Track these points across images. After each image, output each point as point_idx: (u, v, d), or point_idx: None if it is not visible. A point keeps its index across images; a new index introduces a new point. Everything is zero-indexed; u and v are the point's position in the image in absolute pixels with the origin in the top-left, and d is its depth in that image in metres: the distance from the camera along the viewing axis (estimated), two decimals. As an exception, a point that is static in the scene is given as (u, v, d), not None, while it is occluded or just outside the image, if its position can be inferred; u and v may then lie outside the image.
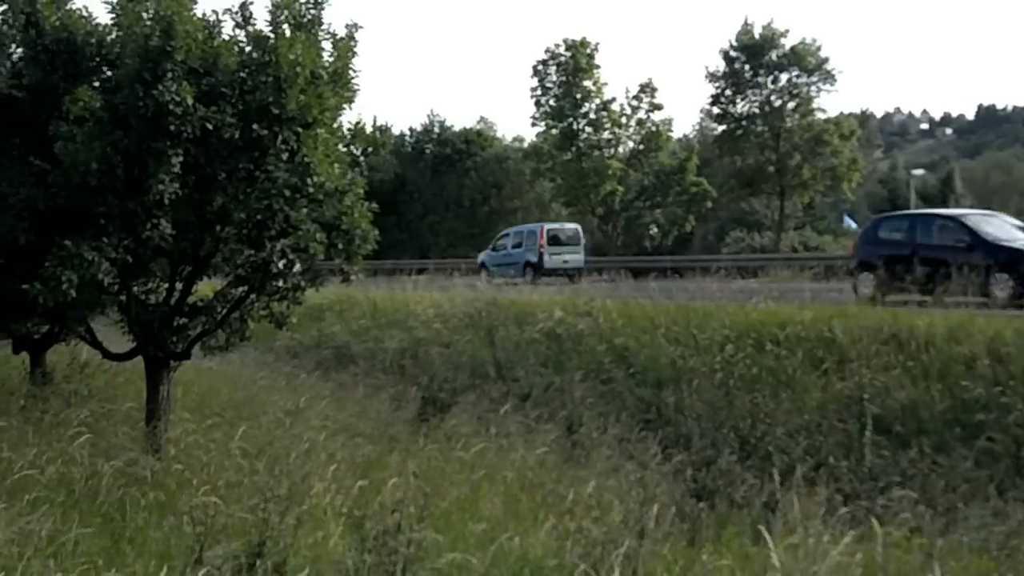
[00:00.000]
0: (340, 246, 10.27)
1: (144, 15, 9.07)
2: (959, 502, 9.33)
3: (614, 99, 54.83)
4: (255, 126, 9.18)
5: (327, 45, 9.92)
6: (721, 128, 54.51)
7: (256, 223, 9.71)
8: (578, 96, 54.43)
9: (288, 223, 9.72)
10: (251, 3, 9.69)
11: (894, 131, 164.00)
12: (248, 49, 9.51)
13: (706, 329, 14.78)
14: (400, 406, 14.38)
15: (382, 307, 22.56)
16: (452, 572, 6.34)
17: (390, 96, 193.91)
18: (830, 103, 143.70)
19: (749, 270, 32.36)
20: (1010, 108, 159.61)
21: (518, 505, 8.56)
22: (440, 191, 62.89)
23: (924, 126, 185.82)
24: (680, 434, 12.19)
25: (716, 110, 54.07)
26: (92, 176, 8.85)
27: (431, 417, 13.10)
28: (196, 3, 9.39)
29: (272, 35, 9.45)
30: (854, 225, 57.17)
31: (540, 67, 55.79)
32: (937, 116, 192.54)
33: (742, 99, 52.08)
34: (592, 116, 54.64)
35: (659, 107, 55.01)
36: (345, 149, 10.73)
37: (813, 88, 50.69)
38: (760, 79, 51.21)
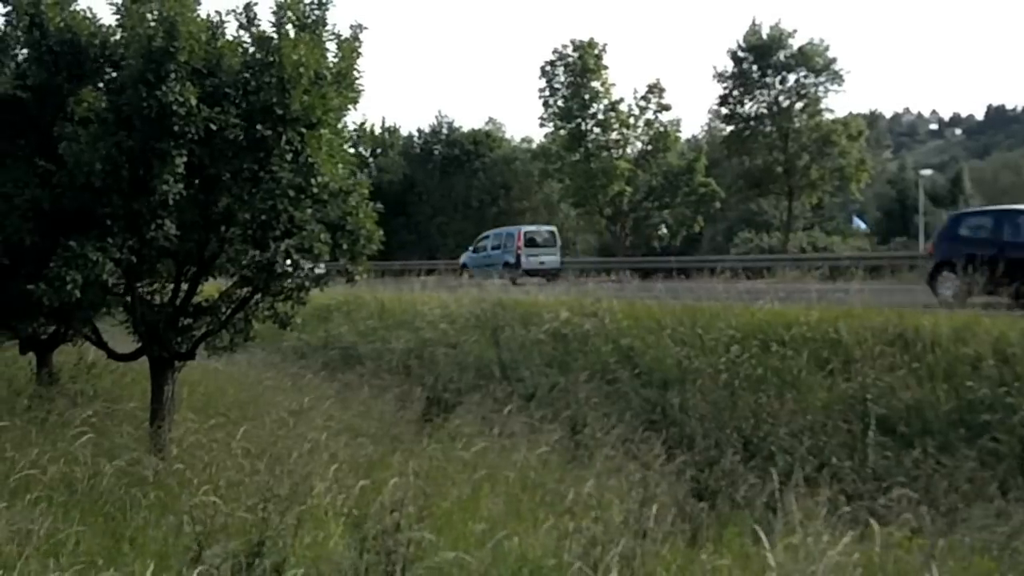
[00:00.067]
0: (345, 246, 10.27)
1: (148, 16, 9.10)
2: (962, 502, 9.32)
3: (622, 100, 54.85)
4: (259, 126, 9.19)
5: (331, 46, 9.94)
6: (729, 129, 54.54)
7: (261, 223, 9.72)
8: (586, 97, 54.40)
9: (293, 223, 9.73)
10: (255, 4, 9.73)
11: (903, 131, 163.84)
12: (251, 50, 9.53)
13: (712, 330, 14.76)
14: (405, 406, 14.40)
15: (390, 308, 22.58)
16: (451, 571, 6.34)
17: (399, 97, 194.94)
18: (838, 103, 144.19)
19: (756, 270, 32.32)
20: (1020, 108, 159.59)
21: (519, 505, 8.56)
22: (449, 192, 62.97)
23: (933, 126, 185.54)
24: (684, 435, 12.18)
25: (724, 110, 54.19)
26: (96, 177, 8.87)
27: (435, 417, 13.11)
28: (200, 4, 9.45)
29: (275, 36, 9.48)
30: (863, 226, 57.16)
31: (548, 68, 55.78)
32: (946, 116, 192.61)
33: (750, 99, 52.06)
34: (600, 117, 54.56)
35: (667, 108, 54.99)
36: (353, 150, 10.74)
37: (821, 88, 50.67)
38: (768, 79, 51.18)
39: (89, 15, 9.73)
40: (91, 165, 8.78)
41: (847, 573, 6.17)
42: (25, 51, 9.94)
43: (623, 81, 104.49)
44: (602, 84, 54.65)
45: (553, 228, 39.68)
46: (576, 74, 54.64)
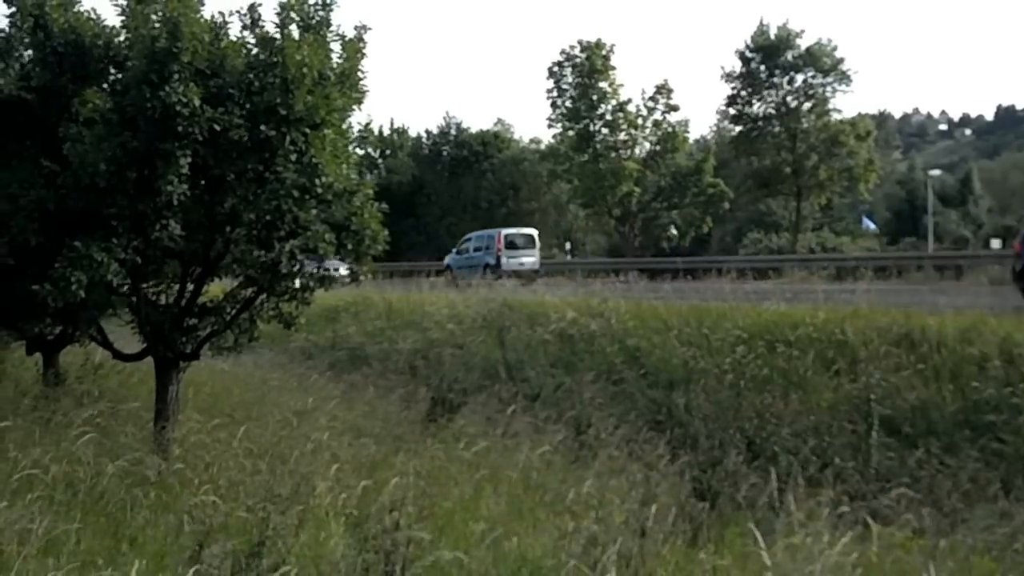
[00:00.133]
0: (350, 246, 10.28)
1: (152, 17, 9.12)
2: (964, 503, 9.28)
3: (630, 100, 54.98)
4: (263, 127, 9.21)
5: (336, 46, 9.96)
6: (737, 129, 54.50)
7: (265, 224, 9.74)
8: (594, 97, 54.44)
9: (297, 224, 9.75)
10: (259, 4, 9.75)
11: (913, 132, 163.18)
12: (255, 51, 9.55)
13: (718, 330, 14.73)
14: (409, 407, 14.42)
15: (397, 308, 22.61)
16: (451, 571, 6.34)
17: (407, 99, 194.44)
18: (847, 104, 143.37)
19: (763, 271, 32.29)
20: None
21: (520, 505, 8.55)
22: (457, 193, 63.00)
23: (943, 127, 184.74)
24: (688, 435, 12.14)
25: (732, 111, 54.22)
26: (101, 177, 8.89)
27: (439, 417, 13.11)
28: (204, 5, 9.46)
29: (279, 36, 9.49)
30: (872, 226, 56.96)
31: (556, 69, 55.85)
32: (956, 117, 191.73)
33: (758, 100, 52.09)
34: (608, 117, 54.63)
35: (675, 108, 55.08)
36: (362, 152, 10.76)
37: (829, 89, 50.68)
38: (776, 80, 51.22)
39: (93, 16, 9.80)
40: (96, 166, 8.81)
41: (846, 573, 6.16)
42: (30, 52, 10.01)
43: (631, 82, 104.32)
44: (610, 85, 54.69)
45: (533, 231, 40.48)
46: (584, 75, 54.67)
